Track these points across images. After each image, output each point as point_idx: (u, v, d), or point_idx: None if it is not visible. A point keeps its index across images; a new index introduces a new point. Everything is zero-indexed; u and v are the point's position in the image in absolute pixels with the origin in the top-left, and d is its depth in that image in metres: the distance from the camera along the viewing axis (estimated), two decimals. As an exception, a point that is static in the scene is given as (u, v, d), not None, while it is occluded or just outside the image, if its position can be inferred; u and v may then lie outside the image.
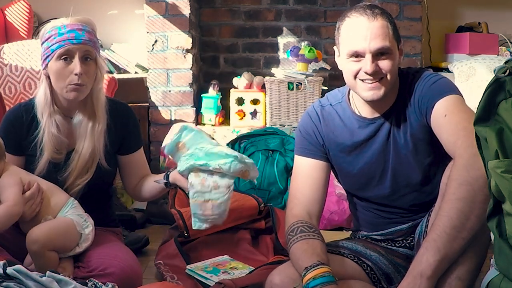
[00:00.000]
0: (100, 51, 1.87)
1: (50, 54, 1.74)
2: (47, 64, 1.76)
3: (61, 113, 1.82)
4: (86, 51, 1.74)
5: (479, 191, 1.33)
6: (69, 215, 1.74)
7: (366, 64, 1.53)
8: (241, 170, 1.71)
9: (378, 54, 1.53)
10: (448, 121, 1.48)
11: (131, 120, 1.94)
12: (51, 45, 1.73)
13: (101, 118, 1.82)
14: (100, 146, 1.82)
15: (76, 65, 1.72)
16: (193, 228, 1.75)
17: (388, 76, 1.55)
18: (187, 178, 1.75)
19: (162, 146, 2.04)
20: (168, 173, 1.86)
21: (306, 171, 1.69)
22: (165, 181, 1.86)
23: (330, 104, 1.72)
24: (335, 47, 1.65)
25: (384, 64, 1.54)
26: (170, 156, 1.87)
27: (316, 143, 1.70)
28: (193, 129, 1.84)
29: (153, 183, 1.91)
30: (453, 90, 1.55)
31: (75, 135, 1.83)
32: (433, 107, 1.53)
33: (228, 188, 1.71)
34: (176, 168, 1.81)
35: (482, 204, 1.31)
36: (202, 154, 1.73)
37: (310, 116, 1.72)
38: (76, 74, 1.72)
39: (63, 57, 1.73)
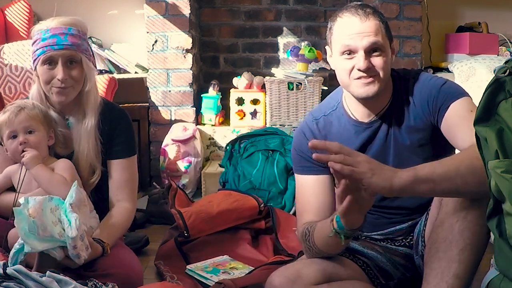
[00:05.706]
0: (95, 48, 1.84)
1: (36, 59, 1.75)
2: (35, 67, 1.77)
3: (56, 112, 1.82)
4: (69, 56, 1.73)
5: None
6: None
7: (359, 60, 1.52)
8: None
9: (370, 51, 1.53)
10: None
11: (121, 125, 1.88)
12: (36, 50, 1.74)
13: (90, 118, 1.79)
14: (91, 144, 1.79)
15: (59, 70, 1.72)
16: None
17: (381, 74, 1.54)
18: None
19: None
20: None
21: (308, 189, 1.65)
22: None
23: (324, 115, 1.70)
24: (327, 47, 1.65)
25: (377, 61, 1.53)
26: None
27: (312, 159, 1.68)
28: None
29: None
30: (465, 92, 1.56)
31: (72, 135, 1.82)
32: (447, 107, 1.52)
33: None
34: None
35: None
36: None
37: (303, 133, 1.69)
38: (59, 79, 1.72)
39: (47, 62, 1.73)
